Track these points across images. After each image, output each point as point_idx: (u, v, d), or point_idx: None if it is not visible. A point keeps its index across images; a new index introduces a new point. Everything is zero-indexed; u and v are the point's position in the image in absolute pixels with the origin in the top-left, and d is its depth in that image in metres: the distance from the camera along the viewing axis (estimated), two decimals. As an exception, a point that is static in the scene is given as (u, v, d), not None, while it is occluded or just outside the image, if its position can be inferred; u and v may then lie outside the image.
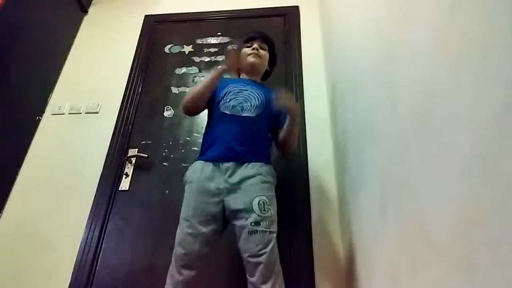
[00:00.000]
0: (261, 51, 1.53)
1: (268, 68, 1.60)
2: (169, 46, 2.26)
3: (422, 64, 0.68)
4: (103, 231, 1.67)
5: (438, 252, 0.59)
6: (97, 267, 1.60)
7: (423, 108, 0.67)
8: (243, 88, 1.42)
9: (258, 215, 1.13)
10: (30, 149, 1.96)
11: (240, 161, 1.25)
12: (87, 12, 2.51)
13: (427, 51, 0.66)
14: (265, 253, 1.08)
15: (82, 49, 2.34)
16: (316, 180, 1.69)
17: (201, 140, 1.84)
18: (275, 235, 1.15)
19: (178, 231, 1.20)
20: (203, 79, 1.45)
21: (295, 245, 1.52)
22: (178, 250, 1.17)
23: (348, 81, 1.40)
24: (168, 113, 2.00)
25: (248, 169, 1.23)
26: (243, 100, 1.37)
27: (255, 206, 1.14)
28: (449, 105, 0.57)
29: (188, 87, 2.09)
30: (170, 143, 1.90)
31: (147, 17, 2.40)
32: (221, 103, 1.38)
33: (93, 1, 2.57)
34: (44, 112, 2.09)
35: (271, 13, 2.30)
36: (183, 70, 2.16)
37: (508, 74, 0.42)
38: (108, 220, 1.70)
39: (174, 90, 2.08)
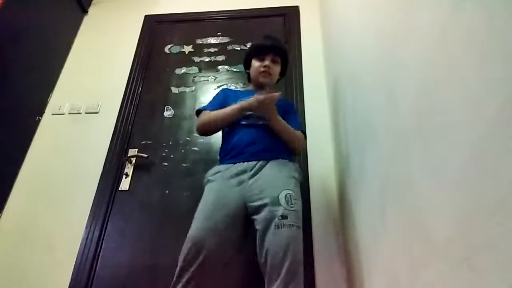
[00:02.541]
0: (273, 68, 1.45)
1: (279, 77, 1.54)
2: (169, 46, 2.26)
3: (422, 64, 0.68)
4: (103, 231, 1.67)
5: (438, 252, 0.59)
6: (97, 267, 1.60)
7: (423, 108, 0.67)
8: None
9: (285, 209, 1.09)
10: (30, 149, 1.96)
11: (264, 159, 1.24)
12: (87, 12, 2.51)
13: (427, 51, 0.66)
14: (292, 249, 1.04)
15: (82, 49, 2.34)
16: (316, 180, 1.69)
17: (201, 140, 1.87)
18: (301, 231, 1.11)
19: (191, 230, 1.13)
20: (227, 110, 1.32)
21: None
22: (186, 246, 1.09)
23: (348, 81, 1.40)
24: (168, 113, 2.00)
25: (274, 165, 1.22)
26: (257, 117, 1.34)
27: (282, 200, 1.11)
28: (449, 105, 0.57)
29: (188, 87, 2.09)
30: (170, 143, 1.90)
31: (147, 17, 2.40)
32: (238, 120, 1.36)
33: (93, 1, 2.57)
34: (44, 112, 2.09)
35: (271, 13, 2.30)
36: (183, 70, 2.16)
37: (508, 74, 0.42)
38: (108, 220, 1.70)
39: (174, 90, 2.08)
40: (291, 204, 1.11)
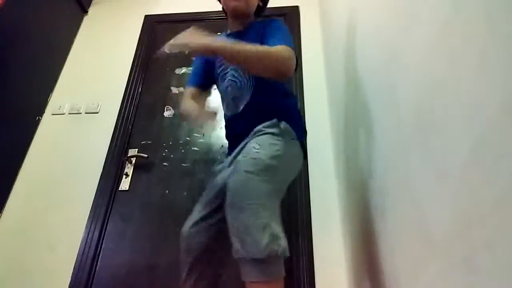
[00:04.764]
0: None
1: (260, 3, 1.33)
2: (169, 46, 2.26)
3: (422, 64, 0.68)
4: (103, 231, 1.67)
5: (438, 252, 0.59)
6: (97, 267, 1.60)
7: (423, 108, 0.67)
8: (229, 74, 1.25)
9: (239, 158, 0.94)
10: (30, 149, 1.96)
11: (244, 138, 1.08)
12: (87, 12, 2.51)
13: (427, 51, 0.65)
14: (239, 194, 0.85)
15: (82, 49, 2.34)
16: (316, 180, 1.69)
17: (201, 140, 1.87)
18: (254, 177, 0.87)
19: None
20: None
21: (295, 245, 1.51)
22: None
23: (348, 81, 1.40)
24: (168, 113, 2.00)
25: (247, 139, 1.04)
26: (233, 91, 1.19)
27: (239, 154, 0.96)
28: (449, 105, 0.57)
29: (188, 87, 2.09)
30: (170, 143, 1.90)
31: (147, 17, 2.40)
32: (222, 101, 1.28)
33: (93, 1, 2.57)
34: (44, 112, 2.09)
35: (271, 13, 2.29)
36: (183, 70, 2.16)
37: (508, 74, 0.42)
38: (108, 220, 1.70)
39: (174, 90, 2.08)
40: (246, 153, 0.94)
